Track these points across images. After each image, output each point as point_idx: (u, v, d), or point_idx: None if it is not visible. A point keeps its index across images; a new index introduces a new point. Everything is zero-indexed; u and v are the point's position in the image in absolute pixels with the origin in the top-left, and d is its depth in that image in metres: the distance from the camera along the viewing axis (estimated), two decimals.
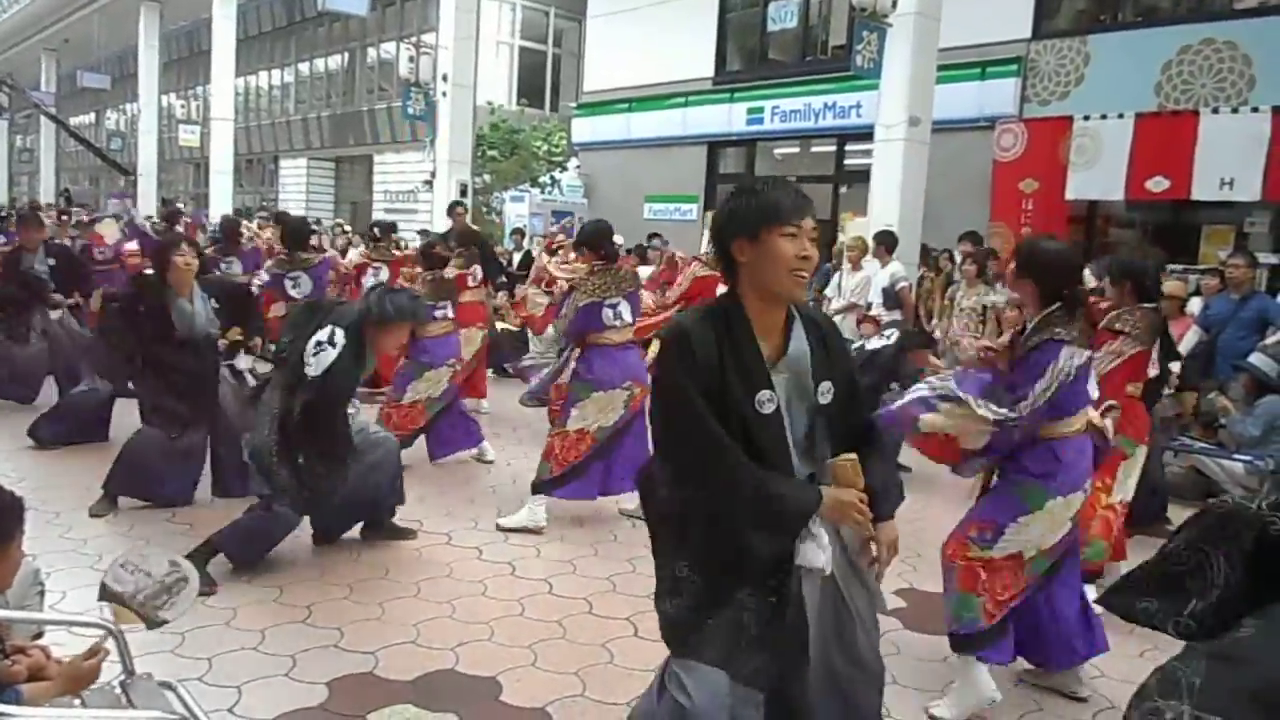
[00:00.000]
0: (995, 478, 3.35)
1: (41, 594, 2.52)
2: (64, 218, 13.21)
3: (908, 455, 6.95)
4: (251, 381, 5.02)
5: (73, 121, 34.11)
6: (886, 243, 8.73)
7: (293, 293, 7.19)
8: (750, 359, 2.10)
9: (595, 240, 5.15)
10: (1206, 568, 1.80)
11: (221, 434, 5.05)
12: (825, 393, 2.18)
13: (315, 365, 3.91)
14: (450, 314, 6.25)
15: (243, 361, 5.08)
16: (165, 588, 2.16)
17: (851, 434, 2.24)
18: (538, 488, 4.98)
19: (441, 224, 12.73)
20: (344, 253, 11.04)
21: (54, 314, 7.25)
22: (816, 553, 2.07)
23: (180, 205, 14.46)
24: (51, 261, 7.36)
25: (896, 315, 8.27)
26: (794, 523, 2.06)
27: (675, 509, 2.15)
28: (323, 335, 3.96)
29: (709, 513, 2.08)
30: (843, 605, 2.23)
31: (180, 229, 10.45)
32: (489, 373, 8.13)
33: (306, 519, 4.33)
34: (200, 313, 4.92)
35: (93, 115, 38.14)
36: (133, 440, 4.93)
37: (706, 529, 2.09)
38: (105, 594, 2.20)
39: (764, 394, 2.09)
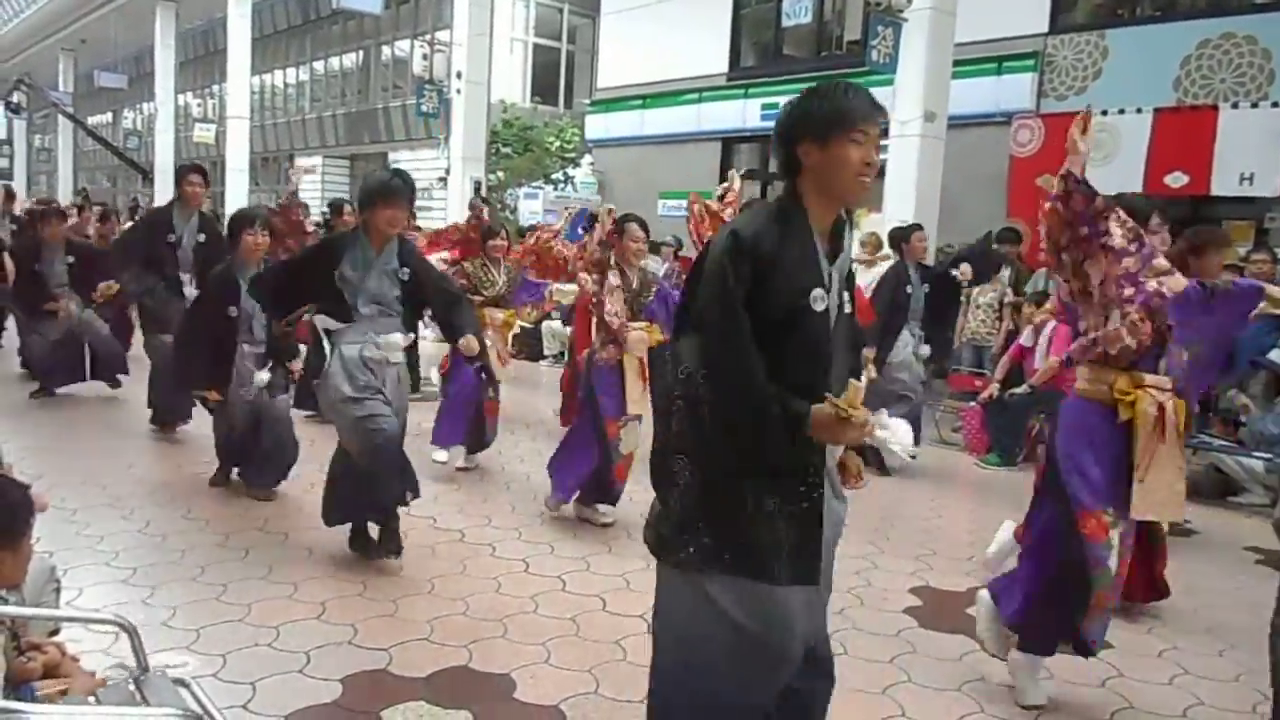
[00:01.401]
0: None
1: (57, 591, 2.54)
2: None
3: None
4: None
5: (90, 121, 34.31)
6: (897, 239, 8.65)
7: None
8: (810, 256, 2.13)
9: None
10: None
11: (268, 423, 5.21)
12: (848, 302, 2.23)
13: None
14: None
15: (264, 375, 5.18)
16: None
17: (854, 351, 2.30)
18: None
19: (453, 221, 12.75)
20: None
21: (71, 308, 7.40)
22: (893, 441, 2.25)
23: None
24: (71, 259, 7.47)
25: None
26: (793, 436, 2.05)
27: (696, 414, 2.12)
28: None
29: (726, 415, 2.08)
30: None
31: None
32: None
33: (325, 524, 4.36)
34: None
35: (110, 114, 38.36)
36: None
37: (724, 434, 2.09)
38: None
39: (818, 291, 2.10)
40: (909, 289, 6.61)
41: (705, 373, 2.10)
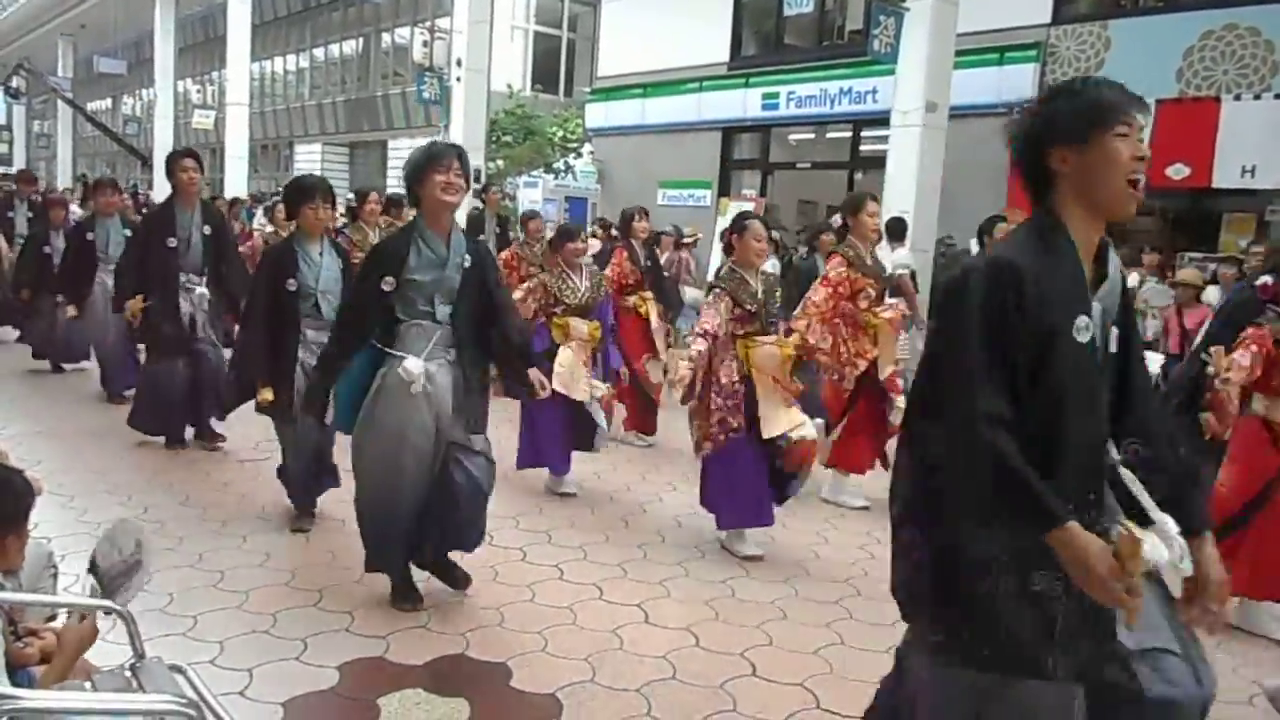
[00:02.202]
0: None
1: (55, 577, 2.53)
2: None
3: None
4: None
5: (90, 107, 34.24)
6: (893, 229, 8.62)
7: None
8: (1072, 279, 1.85)
9: None
10: None
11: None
12: (1115, 340, 1.92)
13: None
14: None
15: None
16: (126, 570, 2.14)
17: (1129, 402, 1.97)
18: None
19: (459, 212, 12.71)
20: None
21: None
22: (1159, 545, 1.73)
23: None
24: (128, 232, 7.01)
25: (900, 304, 8.11)
26: (1030, 520, 1.73)
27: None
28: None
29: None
30: None
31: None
32: None
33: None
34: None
35: (109, 100, 38.31)
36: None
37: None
38: (93, 568, 2.19)
39: (1082, 320, 1.82)
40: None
41: (932, 413, 1.87)
